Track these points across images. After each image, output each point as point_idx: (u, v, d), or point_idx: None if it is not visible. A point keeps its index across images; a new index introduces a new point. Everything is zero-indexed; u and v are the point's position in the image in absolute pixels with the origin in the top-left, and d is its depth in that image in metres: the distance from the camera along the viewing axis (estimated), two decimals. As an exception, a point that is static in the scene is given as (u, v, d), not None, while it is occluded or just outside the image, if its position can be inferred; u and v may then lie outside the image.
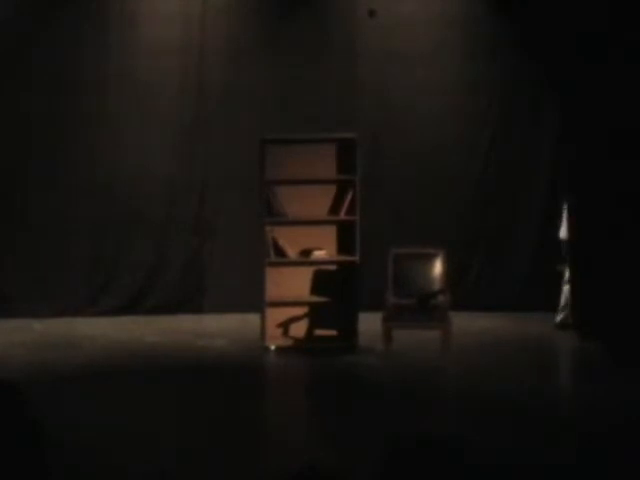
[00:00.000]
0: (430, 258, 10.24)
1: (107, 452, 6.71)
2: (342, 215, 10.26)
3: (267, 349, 10.10)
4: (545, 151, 12.27)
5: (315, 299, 10.36)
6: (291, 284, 10.32)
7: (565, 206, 11.05)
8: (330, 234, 10.42)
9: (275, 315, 10.27)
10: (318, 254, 10.32)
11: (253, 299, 10.47)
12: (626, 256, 9.80)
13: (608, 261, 10.02)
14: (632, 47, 9.80)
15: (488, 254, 12.32)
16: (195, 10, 12.18)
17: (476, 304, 11.89)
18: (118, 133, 12.10)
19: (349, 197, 10.21)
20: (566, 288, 11.09)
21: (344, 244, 10.35)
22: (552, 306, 11.24)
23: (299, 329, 10.39)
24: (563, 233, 11.13)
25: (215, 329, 11.23)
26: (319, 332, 10.40)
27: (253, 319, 10.50)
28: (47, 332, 11.09)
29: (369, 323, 10.17)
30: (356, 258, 10.20)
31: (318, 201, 10.33)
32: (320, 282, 10.37)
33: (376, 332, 9.97)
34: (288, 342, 10.28)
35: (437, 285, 10.13)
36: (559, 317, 11.15)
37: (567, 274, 11.07)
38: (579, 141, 10.67)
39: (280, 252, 10.27)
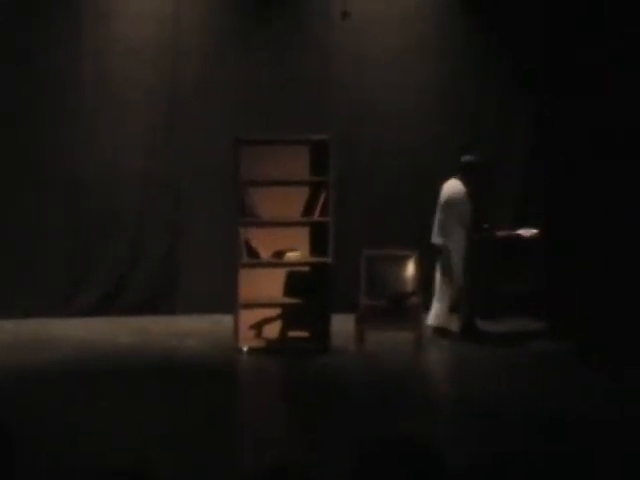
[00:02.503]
0: (403, 260, 10.28)
1: (76, 453, 6.69)
2: (315, 216, 10.27)
3: (240, 350, 10.10)
4: (517, 151, 12.33)
5: (288, 300, 10.36)
6: (264, 285, 10.32)
7: (441, 211, 10.72)
8: (303, 235, 10.43)
9: (248, 316, 10.26)
10: (291, 255, 10.32)
11: (226, 300, 10.46)
12: (600, 254, 9.85)
13: (582, 261, 10.07)
14: (605, 46, 9.87)
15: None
16: (169, 8, 12.16)
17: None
18: (92, 131, 12.04)
19: (322, 198, 10.23)
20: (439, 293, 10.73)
21: (317, 245, 10.35)
22: (525, 308, 11.27)
23: (272, 330, 10.40)
24: (436, 238, 10.77)
25: (188, 330, 11.21)
26: (292, 333, 10.40)
27: (226, 320, 10.49)
28: (19, 333, 11.04)
29: (342, 324, 10.20)
30: (329, 259, 10.21)
31: (291, 202, 10.33)
32: (293, 283, 10.38)
33: (349, 333, 10.00)
34: (261, 343, 10.28)
35: (410, 287, 10.17)
36: (435, 320, 10.70)
37: (438, 276, 10.73)
38: (551, 140, 10.74)
39: (253, 253, 10.28)
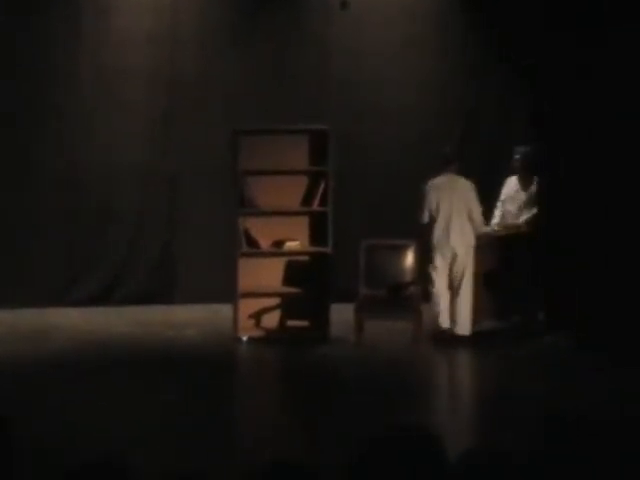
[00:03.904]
0: (402, 249, 10.27)
1: (73, 445, 6.68)
2: (315, 206, 10.25)
3: (239, 340, 10.10)
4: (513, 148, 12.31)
5: (287, 290, 10.35)
6: (263, 275, 10.31)
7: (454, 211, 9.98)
8: (303, 225, 10.42)
9: (247, 306, 10.26)
10: (290, 245, 10.31)
11: (226, 290, 10.45)
12: (600, 252, 9.83)
13: (581, 259, 10.04)
14: (605, 43, 9.84)
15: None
16: (167, 1, 12.13)
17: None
18: (90, 125, 12.02)
19: (322, 188, 10.21)
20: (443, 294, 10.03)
21: (316, 235, 10.34)
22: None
23: (271, 320, 10.39)
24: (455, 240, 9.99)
25: (187, 320, 11.21)
26: (291, 323, 10.40)
27: (225, 310, 10.49)
28: (16, 323, 11.02)
29: (341, 314, 10.18)
30: (328, 249, 10.20)
31: (291, 192, 10.32)
32: (292, 273, 10.37)
33: (348, 323, 9.99)
34: (260, 333, 10.28)
35: (409, 276, 10.17)
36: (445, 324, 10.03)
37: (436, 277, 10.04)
38: (550, 137, 10.72)
39: (252, 243, 10.27)
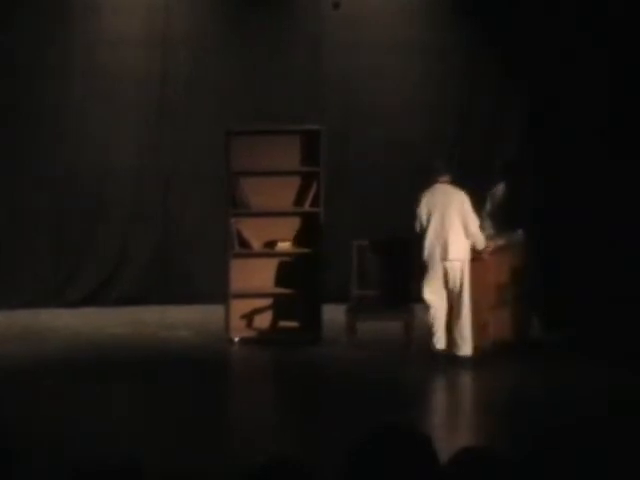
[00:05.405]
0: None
1: (71, 446, 6.70)
2: (306, 207, 10.28)
3: (231, 340, 10.11)
4: (508, 149, 12.33)
5: (279, 291, 10.37)
6: (255, 276, 10.33)
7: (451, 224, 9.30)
8: (294, 226, 10.44)
9: (239, 307, 10.28)
10: (282, 246, 10.34)
11: (218, 291, 10.47)
12: (594, 254, 9.88)
13: (578, 261, 10.08)
14: (601, 45, 9.88)
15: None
16: (160, 0, 12.15)
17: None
18: (83, 124, 12.03)
19: (314, 189, 10.24)
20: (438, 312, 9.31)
21: (308, 236, 10.37)
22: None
23: (263, 320, 10.41)
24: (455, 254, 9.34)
25: (180, 320, 11.21)
26: (283, 324, 10.41)
27: (218, 311, 10.50)
28: (10, 324, 11.03)
29: (333, 315, 10.20)
30: (320, 250, 10.22)
31: (283, 193, 10.34)
32: (284, 274, 10.39)
33: (340, 324, 10.01)
34: (252, 333, 10.29)
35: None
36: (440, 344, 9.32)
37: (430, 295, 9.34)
38: (544, 138, 10.76)
39: (245, 244, 10.29)
